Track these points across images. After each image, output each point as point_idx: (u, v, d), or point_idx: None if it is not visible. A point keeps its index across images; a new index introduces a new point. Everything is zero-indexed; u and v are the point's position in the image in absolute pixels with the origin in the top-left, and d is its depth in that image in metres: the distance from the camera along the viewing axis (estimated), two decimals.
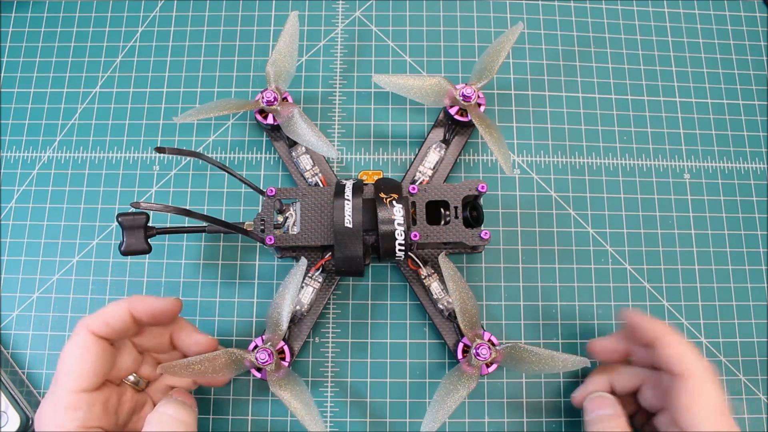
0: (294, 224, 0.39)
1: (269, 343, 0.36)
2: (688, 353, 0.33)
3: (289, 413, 0.37)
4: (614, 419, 0.35)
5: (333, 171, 0.43)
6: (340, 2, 0.49)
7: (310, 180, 0.42)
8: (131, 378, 0.36)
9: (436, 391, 0.36)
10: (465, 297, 0.36)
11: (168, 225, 0.43)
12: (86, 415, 0.32)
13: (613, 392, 0.37)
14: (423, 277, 0.40)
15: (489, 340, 0.37)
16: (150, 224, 0.37)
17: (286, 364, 0.37)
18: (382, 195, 0.37)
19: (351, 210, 0.36)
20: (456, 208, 0.38)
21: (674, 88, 0.47)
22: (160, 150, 0.36)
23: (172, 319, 0.36)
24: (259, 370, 0.36)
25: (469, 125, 0.42)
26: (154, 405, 0.37)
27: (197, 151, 0.41)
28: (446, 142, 0.43)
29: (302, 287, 0.39)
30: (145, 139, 0.46)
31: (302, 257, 0.38)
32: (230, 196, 0.44)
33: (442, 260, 0.37)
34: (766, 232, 0.44)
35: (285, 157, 0.43)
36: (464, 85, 0.41)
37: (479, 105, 0.42)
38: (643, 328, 0.35)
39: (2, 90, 0.47)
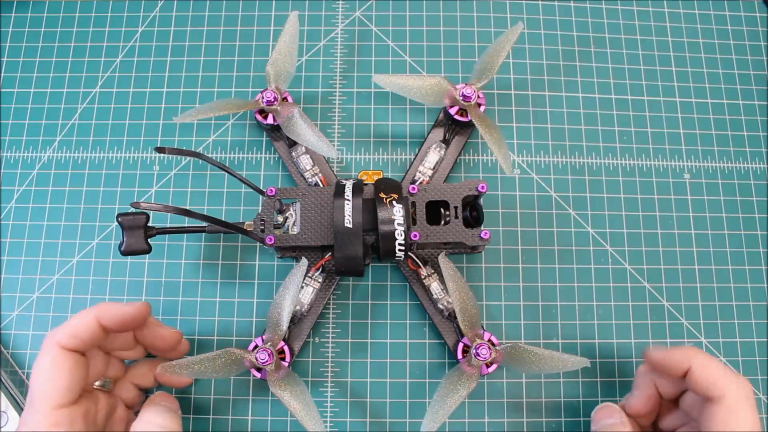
0: (294, 224, 0.39)
1: (269, 343, 0.36)
2: (721, 375, 0.32)
3: (289, 413, 0.37)
4: (620, 426, 0.35)
5: (333, 171, 0.43)
6: (340, 2, 0.49)
7: (310, 180, 0.42)
8: (98, 382, 0.35)
9: (436, 391, 0.36)
10: (465, 297, 0.36)
11: (168, 225, 0.43)
12: (69, 430, 0.31)
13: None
14: (423, 277, 0.40)
15: (489, 340, 0.37)
16: (150, 224, 0.37)
17: (286, 364, 0.37)
18: (382, 195, 0.37)
19: (351, 210, 0.36)
20: (456, 208, 0.38)
21: (674, 88, 0.47)
22: (160, 150, 0.36)
23: (141, 324, 0.35)
24: (258, 370, 0.36)
25: (469, 125, 0.42)
26: (125, 404, 0.37)
27: (197, 151, 0.41)
28: (446, 142, 0.43)
29: (302, 287, 0.39)
30: (145, 139, 0.46)
31: (302, 257, 0.38)
32: (230, 196, 0.44)
33: (442, 260, 0.37)
34: (766, 232, 0.44)
35: (285, 157, 0.43)
36: (464, 85, 0.41)
37: (479, 105, 0.42)
38: (670, 361, 0.33)
39: (2, 90, 0.47)
